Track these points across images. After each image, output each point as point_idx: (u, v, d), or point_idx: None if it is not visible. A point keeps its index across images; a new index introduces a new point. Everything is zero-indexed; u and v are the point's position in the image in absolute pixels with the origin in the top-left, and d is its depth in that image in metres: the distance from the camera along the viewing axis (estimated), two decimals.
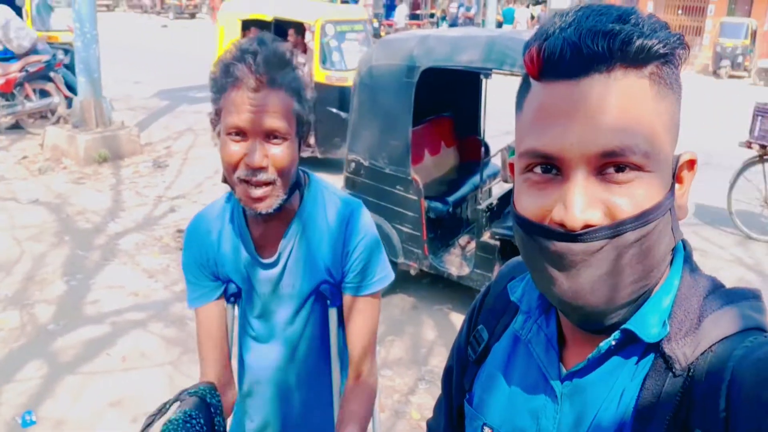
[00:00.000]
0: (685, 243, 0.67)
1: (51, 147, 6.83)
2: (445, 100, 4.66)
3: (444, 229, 4.16)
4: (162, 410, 1.09)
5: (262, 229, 1.23)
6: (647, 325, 0.61)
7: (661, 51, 0.56)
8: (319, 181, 1.29)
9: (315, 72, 6.33)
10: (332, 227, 1.24)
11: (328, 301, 1.27)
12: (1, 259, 4.41)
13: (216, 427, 1.11)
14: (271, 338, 1.30)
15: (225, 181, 1.18)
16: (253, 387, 1.36)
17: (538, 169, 0.60)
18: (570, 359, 0.68)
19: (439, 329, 3.84)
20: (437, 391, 3.25)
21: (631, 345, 0.63)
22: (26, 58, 7.33)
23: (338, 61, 6.50)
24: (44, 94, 7.58)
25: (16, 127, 7.61)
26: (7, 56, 7.29)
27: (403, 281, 4.40)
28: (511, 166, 0.68)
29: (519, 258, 0.81)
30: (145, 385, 3.13)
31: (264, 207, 1.12)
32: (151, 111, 9.07)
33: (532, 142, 0.60)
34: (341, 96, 6.25)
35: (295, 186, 1.19)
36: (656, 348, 0.61)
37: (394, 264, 3.86)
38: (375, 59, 3.80)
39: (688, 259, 0.66)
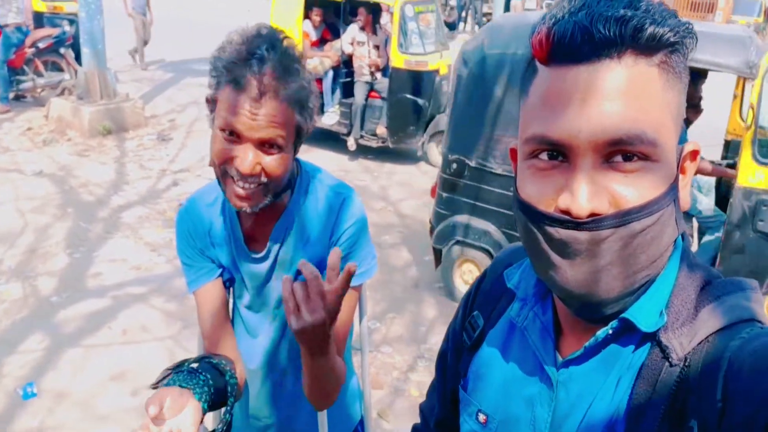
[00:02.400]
0: (682, 234, 0.66)
1: (56, 119, 6.81)
2: None
3: None
4: (174, 368, 1.11)
5: (252, 222, 1.20)
6: (645, 314, 0.60)
7: (672, 39, 0.55)
8: (310, 171, 1.25)
9: (393, 56, 6.02)
10: (322, 219, 1.20)
11: None
12: (5, 231, 4.43)
13: (229, 391, 1.11)
14: (260, 330, 1.28)
15: (212, 164, 1.15)
16: (252, 381, 1.33)
17: (543, 156, 0.59)
18: (566, 347, 0.68)
19: (439, 308, 3.84)
20: None
21: (627, 334, 0.62)
22: (35, 33, 7.30)
23: (417, 44, 6.03)
24: (54, 67, 7.56)
25: (21, 97, 7.60)
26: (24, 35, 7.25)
27: (403, 260, 4.40)
28: (513, 151, 0.67)
29: (515, 244, 0.81)
30: (145, 358, 3.16)
31: (249, 206, 1.08)
32: (155, 83, 9.02)
33: (538, 128, 0.59)
34: (419, 81, 5.99)
35: (287, 185, 1.15)
36: (653, 338, 0.61)
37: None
38: (488, 47, 3.37)
39: (685, 250, 0.65)
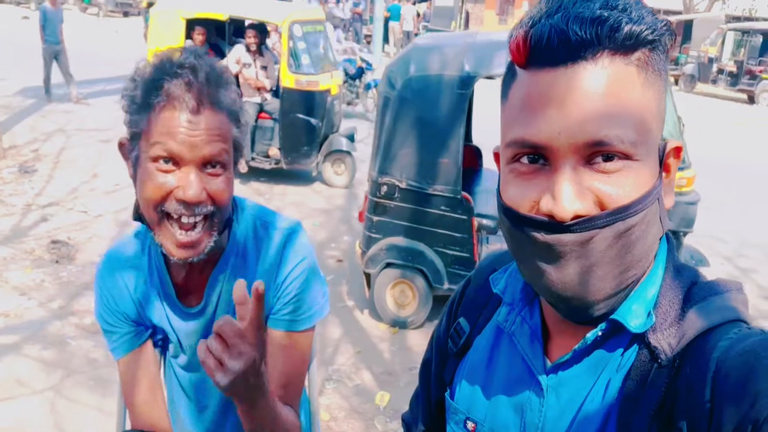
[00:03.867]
0: (667, 235, 0.67)
1: None
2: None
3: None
4: None
5: (185, 273, 1.07)
6: (633, 315, 0.61)
7: (650, 37, 0.56)
8: (246, 207, 1.13)
9: (283, 76, 5.88)
10: (265, 260, 1.08)
11: None
12: None
13: None
14: (201, 392, 1.15)
15: (138, 218, 1.00)
16: None
17: (525, 159, 0.59)
18: (554, 351, 0.67)
19: (344, 327, 3.79)
20: (345, 389, 3.22)
21: (616, 336, 0.62)
22: None
23: (307, 64, 5.99)
24: None
25: None
26: None
27: None
28: (497, 155, 0.66)
29: (499, 250, 0.81)
30: (23, 414, 2.80)
31: (194, 254, 0.96)
32: (14, 110, 8.19)
33: (518, 132, 0.58)
34: (311, 101, 5.89)
35: (227, 221, 1.04)
36: (641, 339, 0.61)
37: (438, 291, 3.63)
38: (414, 70, 3.40)
39: (670, 249, 0.66)
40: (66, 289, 3.97)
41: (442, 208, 3.48)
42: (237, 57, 6.23)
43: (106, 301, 1.09)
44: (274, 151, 6.18)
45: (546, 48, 0.55)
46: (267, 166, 6.24)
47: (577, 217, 0.56)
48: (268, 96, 6.33)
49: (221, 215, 0.98)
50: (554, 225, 0.56)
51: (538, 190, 0.58)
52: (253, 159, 6.22)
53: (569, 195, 0.55)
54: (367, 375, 3.34)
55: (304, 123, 5.98)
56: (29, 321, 3.56)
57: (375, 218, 3.65)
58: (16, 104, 8.57)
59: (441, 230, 3.51)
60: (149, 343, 1.11)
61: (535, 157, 0.58)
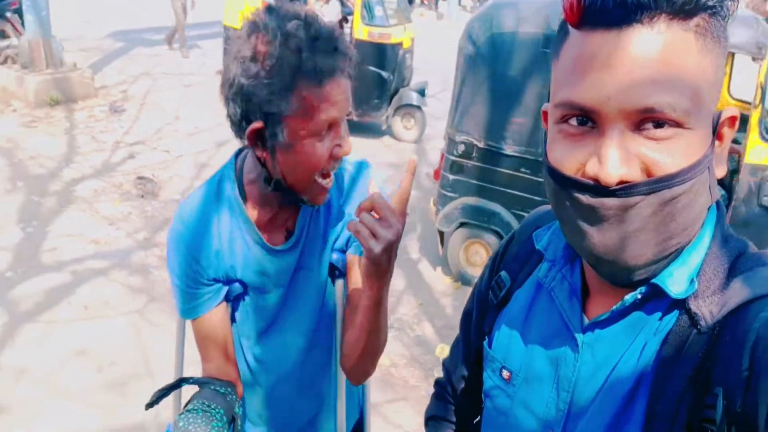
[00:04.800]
0: (719, 202, 0.66)
1: None
2: None
3: None
4: (169, 389, 1.06)
5: (270, 215, 1.10)
6: (675, 281, 0.60)
7: (710, 2, 0.54)
8: None
9: (355, 28, 5.89)
10: (342, 192, 1.15)
11: (336, 272, 1.18)
12: None
13: (238, 417, 1.07)
14: (289, 328, 1.19)
15: (278, 188, 1.04)
16: (268, 380, 1.24)
17: (573, 121, 0.58)
18: (592, 310, 0.68)
19: (407, 279, 3.87)
20: (406, 339, 3.30)
21: (656, 300, 0.62)
22: None
23: (381, 16, 5.96)
24: (2, 35, 7.12)
25: None
26: None
27: None
28: (545, 114, 0.65)
29: (545, 207, 0.80)
30: (110, 334, 3.07)
31: (325, 197, 1.07)
32: (104, 53, 8.62)
33: (568, 93, 0.57)
34: (382, 54, 5.90)
35: None
36: (682, 305, 0.60)
37: None
38: (496, 26, 3.29)
39: (720, 218, 0.65)
40: (150, 222, 4.24)
41: (522, 170, 3.41)
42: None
43: (186, 260, 1.10)
44: None
45: (600, 9, 0.54)
46: None
47: (622, 182, 0.55)
48: None
49: None
50: (599, 188, 0.56)
51: (585, 152, 0.57)
52: None
53: (615, 160, 0.55)
54: (428, 327, 3.42)
55: (375, 75, 5.98)
56: (117, 249, 3.85)
57: (451, 177, 3.63)
58: (106, 46, 8.99)
59: (519, 192, 3.45)
60: (224, 302, 1.15)
61: (583, 119, 0.57)
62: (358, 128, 6.51)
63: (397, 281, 3.84)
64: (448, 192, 3.67)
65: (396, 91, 6.19)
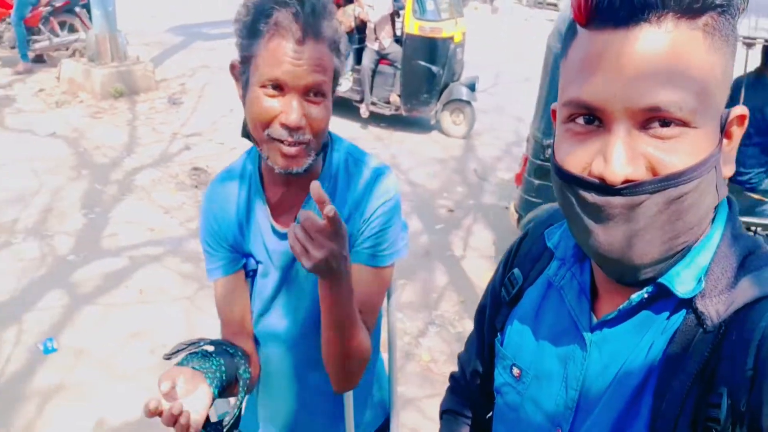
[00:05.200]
0: (730, 200, 0.65)
1: (67, 80, 6.79)
2: None
3: None
4: (188, 344, 1.09)
5: (280, 195, 1.14)
6: (682, 280, 0.60)
7: (717, 1, 0.53)
8: (343, 143, 1.20)
9: (406, 22, 5.90)
10: (355, 193, 1.14)
11: None
12: (20, 191, 4.47)
13: (240, 384, 1.08)
14: (286, 313, 1.21)
15: (246, 136, 1.09)
16: (268, 367, 1.26)
17: (580, 120, 0.59)
18: (601, 309, 0.68)
19: (450, 275, 3.87)
20: (447, 335, 3.30)
21: (663, 299, 0.62)
22: None
23: (432, 10, 5.90)
24: (70, 28, 7.51)
25: (38, 58, 7.57)
26: None
27: (414, 228, 4.42)
28: (554, 112, 0.66)
29: (557, 205, 0.81)
30: (162, 318, 3.22)
31: (297, 165, 1.03)
32: (165, 47, 8.94)
33: (575, 92, 0.58)
34: (433, 49, 5.89)
35: (322, 147, 1.11)
36: (689, 304, 0.61)
37: None
38: None
39: (731, 217, 0.64)
40: None
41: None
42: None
43: (210, 224, 1.17)
44: (395, 98, 6.24)
45: (608, 8, 0.54)
46: (387, 112, 6.33)
47: (627, 181, 0.55)
48: (389, 42, 6.33)
49: (316, 142, 1.05)
50: (604, 187, 0.56)
51: (592, 151, 0.58)
52: (373, 104, 6.34)
53: (621, 159, 0.55)
54: (469, 324, 3.42)
55: (425, 70, 5.95)
56: (170, 237, 4.02)
57: (536, 182, 3.54)
58: (167, 40, 9.32)
59: None
60: (242, 272, 1.19)
61: (590, 118, 0.58)
62: (406, 123, 6.53)
63: (439, 277, 3.85)
64: (532, 197, 3.56)
65: (446, 86, 6.16)
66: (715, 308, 0.58)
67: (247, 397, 1.29)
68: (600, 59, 0.55)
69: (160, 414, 0.88)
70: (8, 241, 3.82)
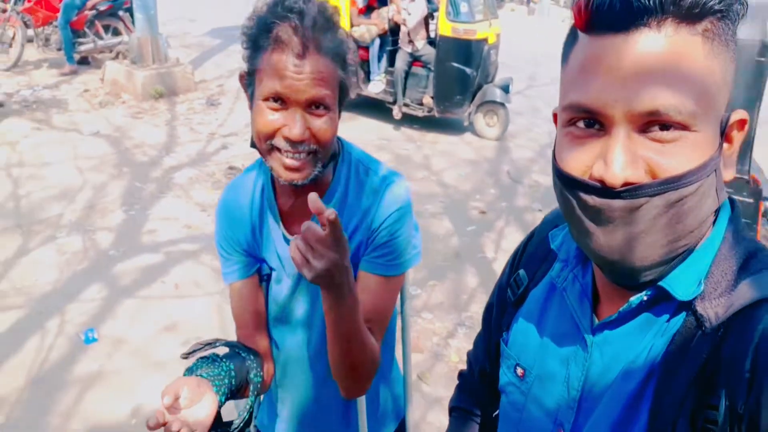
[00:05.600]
0: (733, 202, 0.66)
1: (111, 81, 7.02)
2: None
3: None
4: (205, 345, 1.12)
5: (291, 203, 1.14)
6: (682, 283, 0.61)
7: (717, 7, 0.54)
8: (353, 151, 1.18)
9: (440, 24, 5.92)
10: (364, 202, 1.13)
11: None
12: (65, 187, 4.64)
13: (251, 389, 1.09)
14: (300, 319, 1.22)
15: (254, 146, 1.08)
16: (285, 370, 1.28)
17: (581, 124, 0.60)
18: (603, 311, 0.69)
19: (480, 277, 3.86)
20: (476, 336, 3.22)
21: (664, 302, 0.63)
22: None
23: (466, 12, 5.89)
24: (114, 31, 7.78)
25: (83, 60, 7.84)
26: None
27: (445, 230, 4.43)
28: (555, 116, 0.67)
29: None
30: (196, 312, 3.31)
31: (299, 177, 1.02)
32: (204, 49, 9.15)
33: (575, 96, 0.59)
34: (467, 50, 5.89)
35: (332, 157, 1.10)
36: (689, 306, 0.61)
37: None
38: None
39: (733, 219, 0.64)
40: None
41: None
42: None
43: (224, 229, 1.19)
44: (428, 99, 6.25)
45: (607, 13, 0.55)
46: (420, 113, 6.34)
47: (627, 184, 0.56)
48: (422, 44, 6.34)
49: (324, 153, 1.04)
50: (605, 190, 0.57)
51: (592, 154, 0.58)
52: (406, 106, 6.36)
53: (621, 162, 0.55)
54: None
55: (459, 72, 5.94)
56: (206, 234, 4.12)
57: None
58: (206, 43, 9.54)
59: None
60: (257, 277, 1.20)
61: (590, 121, 0.58)
62: (439, 124, 6.52)
63: (470, 279, 3.84)
64: None
65: (479, 88, 6.14)
66: (714, 310, 0.59)
67: (261, 397, 1.32)
68: (600, 64, 0.56)
69: (164, 425, 0.89)
70: (53, 235, 3.98)
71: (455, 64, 5.94)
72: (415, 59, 6.36)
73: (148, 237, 4.05)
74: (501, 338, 0.83)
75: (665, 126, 0.55)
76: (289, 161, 1.01)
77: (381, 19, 6.65)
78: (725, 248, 0.62)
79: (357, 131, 6.33)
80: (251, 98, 1.04)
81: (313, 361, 1.24)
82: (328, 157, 1.06)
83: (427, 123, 6.55)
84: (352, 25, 6.42)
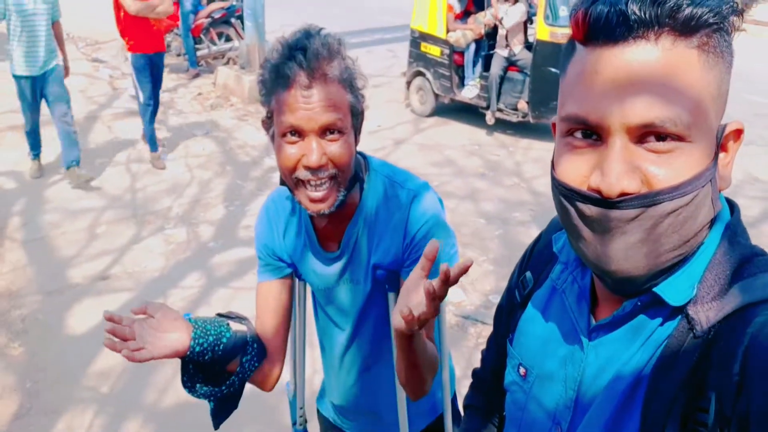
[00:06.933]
0: (733, 206, 0.65)
1: (222, 86, 7.55)
2: None
3: None
4: (225, 316, 1.20)
5: (325, 222, 1.20)
6: (675, 289, 0.61)
7: (711, 20, 0.54)
8: (379, 168, 1.23)
9: (538, 28, 5.87)
10: (394, 217, 1.18)
11: (386, 286, 1.23)
12: (176, 183, 5.07)
13: (240, 365, 1.16)
14: (336, 325, 1.32)
15: (283, 183, 1.16)
16: (328, 369, 1.41)
17: (578, 134, 0.61)
18: (601, 313, 0.70)
19: None
20: None
21: (657, 307, 0.63)
22: (211, 5, 8.11)
23: (565, 16, 5.86)
24: (226, 38, 8.39)
25: (199, 65, 8.49)
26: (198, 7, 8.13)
27: (532, 239, 4.33)
28: (554, 126, 0.68)
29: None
30: (238, 304, 3.49)
31: (325, 207, 1.08)
32: None
33: (573, 108, 0.60)
34: None
35: (355, 178, 1.15)
36: (682, 310, 0.61)
37: None
38: None
39: (732, 224, 0.64)
40: None
41: None
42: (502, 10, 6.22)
43: (264, 235, 1.28)
44: (522, 105, 6.14)
45: (604, 25, 0.56)
46: (514, 118, 6.25)
47: (623, 194, 0.56)
48: (519, 48, 6.23)
49: (343, 176, 1.09)
50: (601, 200, 0.58)
51: (589, 165, 0.59)
52: (500, 111, 6.29)
53: (617, 172, 0.56)
54: None
55: (556, 77, 5.73)
56: None
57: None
58: None
59: None
60: (287, 281, 1.29)
61: (588, 132, 0.60)
62: (533, 130, 6.39)
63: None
64: None
65: None
66: (706, 314, 0.59)
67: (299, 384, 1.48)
68: (597, 75, 0.57)
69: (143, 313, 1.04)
70: (162, 226, 4.37)
71: (552, 69, 5.80)
72: (511, 64, 6.28)
73: (245, 232, 4.33)
74: (507, 338, 0.85)
75: (661, 137, 0.56)
76: (313, 194, 1.07)
77: (477, 23, 6.63)
78: (720, 253, 0.62)
79: (449, 136, 6.35)
80: (272, 139, 1.11)
81: (348, 358, 1.34)
82: (348, 179, 1.12)
83: (522, 128, 6.43)
84: (448, 31, 6.45)
